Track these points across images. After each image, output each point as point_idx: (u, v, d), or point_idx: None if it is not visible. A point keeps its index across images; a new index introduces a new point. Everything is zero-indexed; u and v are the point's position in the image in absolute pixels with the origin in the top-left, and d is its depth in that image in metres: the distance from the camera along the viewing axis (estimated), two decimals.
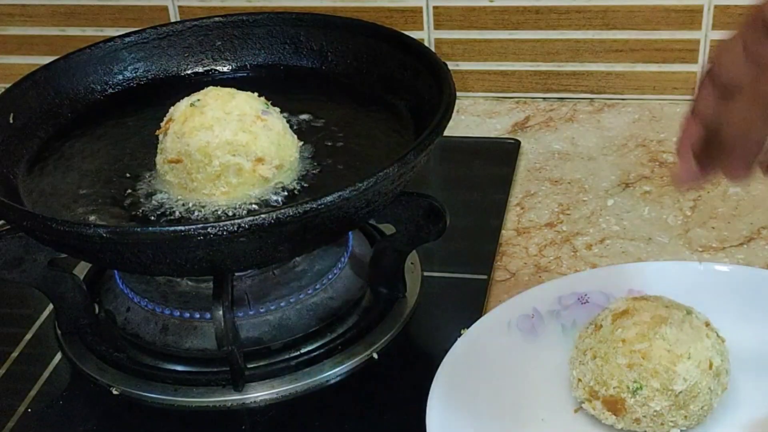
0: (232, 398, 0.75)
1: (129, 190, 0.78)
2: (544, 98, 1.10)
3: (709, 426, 0.68)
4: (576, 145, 1.02)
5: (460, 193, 0.96)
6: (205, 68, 0.93)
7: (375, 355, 0.78)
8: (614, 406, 0.66)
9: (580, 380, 0.68)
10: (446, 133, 0.75)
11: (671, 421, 0.66)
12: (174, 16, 1.13)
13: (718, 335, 0.69)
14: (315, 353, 0.77)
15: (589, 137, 1.03)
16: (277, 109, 0.79)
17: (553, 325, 0.76)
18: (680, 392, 0.65)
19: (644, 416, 0.66)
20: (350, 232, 0.83)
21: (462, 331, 0.74)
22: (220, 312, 0.70)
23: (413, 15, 1.08)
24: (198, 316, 0.77)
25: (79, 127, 0.87)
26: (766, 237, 0.87)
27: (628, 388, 0.66)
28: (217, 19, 0.92)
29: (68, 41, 1.15)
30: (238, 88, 0.79)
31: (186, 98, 0.77)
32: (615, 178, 0.96)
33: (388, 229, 0.83)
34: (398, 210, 0.75)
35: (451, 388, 0.69)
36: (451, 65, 0.85)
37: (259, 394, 0.75)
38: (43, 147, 0.84)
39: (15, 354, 0.82)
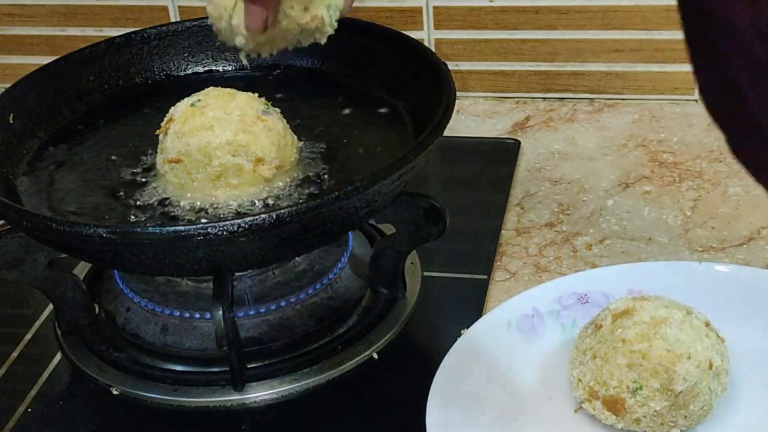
0: (232, 398, 0.75)
1: (129, 190, 0.78)
2: (544, 98, 1.10)
3: (708, 426, 0.68)
4: (576, 145, 1.02)
5: (460, 193, 0.96)
6: (205, 68, 0.93)
7: (375, 355, 0.78)
8: (614, 406, 0.66)
9: (580, 380, 0.68)
10: (446, 133, 0.75)
11: (671, 421, 0.66)
12: (174, 16, 1.13)
13: (718, 335, 0.69)
14: (315, 353, 0.77)
15: (589, 137, 1.03)
16: (278, 110, 0.79)
17: (553, 325, 0.76)
18: (680, 392, 0.65)
19: (644, 416, 0.66)
20: (350, 232, 0.83)
21: (462, 331, 0.74)
22: (220, 312, 0.71)
23: (413, 15, 1.08)
24: (198, 316, 0.77)
25: (79, 127, 0.87)
26: (766, 237, 0.87)
27: (628, 388, 0.66)
28: None
29: (68, 41, 1.15)
30: (238, 89, 0.79)
31: (186, 98, 0.77)
32: (615, 178, 0.96)
33: (388, 229, 0.83)
34: (398, 210, 0.75)
35: (451, 388, 0.69)
36: (451, 65, 0.85)
37: (259, 394, 0.75)
38: (43, 147, 0.84)
39: (15, 354, 0.82)
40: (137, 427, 0.75)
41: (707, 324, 0.69)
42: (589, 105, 1.09)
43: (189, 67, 0.93)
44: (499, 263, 0.86)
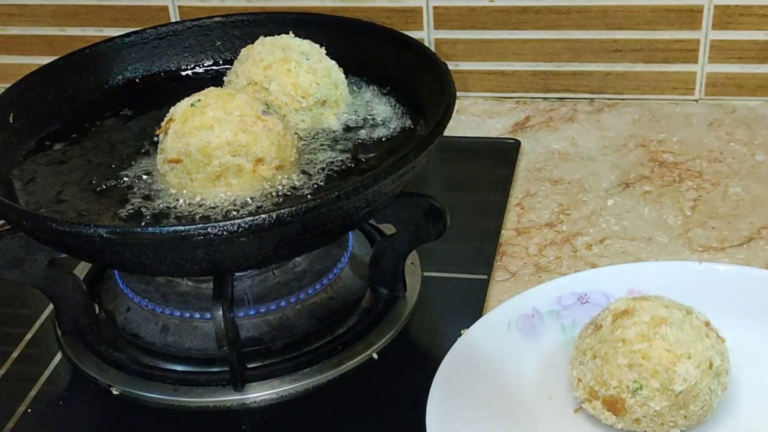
0: (232, 398, 0.75)
1: (129, 190, 0.78)
2: (544, 98, 1.10)
3: (709, 426, 0.68)
4: (576, 145, 1.02)
5: (460, 193, 0.96)
6: (205, 68, 0.93)
7: (375, 355, 0.78)
8: (614, 406, 0.66)
9: (580, 380, 0.68)
10: (446, 133, 0.75)
11: (671, 421, 0.66)
12: (174, 16, 1.13)
13: (718, 335, 0.69)
14: (315, 353, 0.77)
15: (589, 137, 1.03)
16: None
17: (553, 325, 0.76)
18: (680, 392, 0.65)
19: (644, 416, 0.66)
20: (350, 232, 0.83)
21: (462, 331, 0.74)
22: (220, 312, 0.71)
23: (413, 15, 1.08)
24: (198, 316, 0.77)
25: (79, 126, 0.87)
26: (766, 237, 0.87)
27: (628, 388, 0.66)
28: (217, 19, 0.92)
29: (68, 41, 1.15)
30: None
31: (186, 98, 0.77)
32: (615, 178, 0.96)
33: (388, 229, 0.83)
34: (398, 210, 0.75)
35: (451, 388, 0.69)
36: (451, 65, 0.85)
37: (259, 394, 0.75)
38: (43, 147, 0.84)
39: (15, 354, 0.82)
40: (137, 427, 0.75)
41: (707, 324, 0.69)
42: (589, 105, 1.09)
43: (189, 67, 0.93)
44: (499, 263, 0.86)
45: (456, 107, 0.77)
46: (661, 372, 0.65)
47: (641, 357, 0.66)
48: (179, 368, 0.78)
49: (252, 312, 0.77)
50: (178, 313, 0.78)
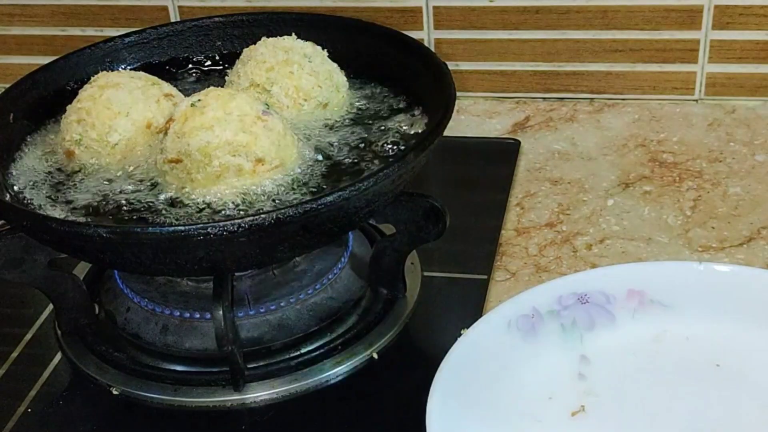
0: (232, 398, 0.75)
1: (129, 190, 0.78)
2: (544, 98, 1.10)
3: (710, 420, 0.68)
4: (576, 145, 1.02)
5: (460, 193, 0.96)
6: (205, 68, 0.93)
7: (375, 355, 0.78)
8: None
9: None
10: (446, 133, 0.75)
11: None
12: (174, 16, 1.13)
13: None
14: (315, 353, 0.77)
15: (589, 137, 1.03)
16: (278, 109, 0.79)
17: (553, 325, 0.76)
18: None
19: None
20: (350, 232, 0.83)
21: (462, 331, 0.74)
22: (220, 312, 0.71)
23: (413, 15, 1.08)
24: (198, 316, 0.77)
25: None
26: (766, 237, 0.87)
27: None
28: (217, 19, 0.92)
29: (68, 41, 1.15)
30: None
31: (186, 98, 0.77)
32: (615, 178, 0.96)
33: (388, 229, 0.83)
34: (398, 210, 0.76)
35: (451, 388, 0.69)
36: (451, 65, 0.85)
37: (259, 394, 0.75)
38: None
39: (15, 354, 0.82)
40: (137, 427, 0.75)
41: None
42: (589, 105, 1.09)
43: (189, 66, 0.93)
44: (499, 263, 0.86)
45: (456, 107, 0.77)
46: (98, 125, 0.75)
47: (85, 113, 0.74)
48: (179, 368, 0.78)
49: (252, 312, 0.77)
50: (178, 313, 0.78)
